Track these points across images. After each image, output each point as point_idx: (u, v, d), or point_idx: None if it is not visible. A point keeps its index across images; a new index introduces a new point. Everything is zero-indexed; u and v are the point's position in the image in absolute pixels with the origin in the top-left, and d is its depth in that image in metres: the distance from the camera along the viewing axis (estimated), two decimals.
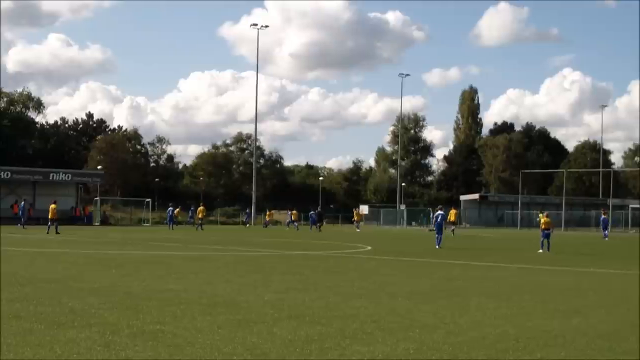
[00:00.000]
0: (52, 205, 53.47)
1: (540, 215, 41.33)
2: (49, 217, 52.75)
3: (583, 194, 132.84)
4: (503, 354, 10.42)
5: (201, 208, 73.65)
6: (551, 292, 18.41)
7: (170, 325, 12.07)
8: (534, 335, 11.82)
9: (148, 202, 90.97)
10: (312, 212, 54.92)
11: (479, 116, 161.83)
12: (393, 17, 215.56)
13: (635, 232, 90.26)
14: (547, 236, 37.12)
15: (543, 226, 37.70)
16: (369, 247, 39.39)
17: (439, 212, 41.49)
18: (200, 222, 71.94)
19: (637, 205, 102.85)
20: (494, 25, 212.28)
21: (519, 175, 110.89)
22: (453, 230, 63.50)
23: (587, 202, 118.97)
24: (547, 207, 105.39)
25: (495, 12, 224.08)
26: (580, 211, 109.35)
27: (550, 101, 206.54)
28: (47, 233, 50.26)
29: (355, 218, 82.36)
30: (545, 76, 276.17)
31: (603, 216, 67.04)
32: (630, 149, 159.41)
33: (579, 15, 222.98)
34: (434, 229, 40.63)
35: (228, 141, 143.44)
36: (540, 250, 36.32)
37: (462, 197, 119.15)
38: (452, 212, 66.14)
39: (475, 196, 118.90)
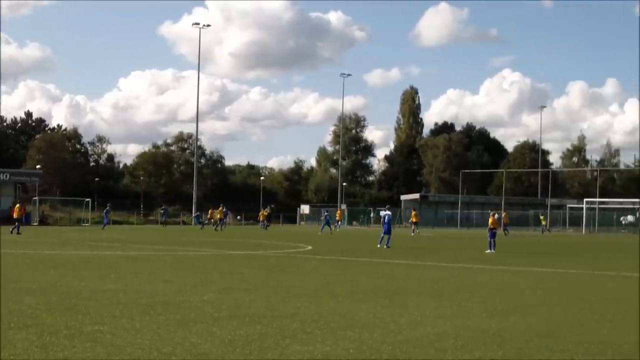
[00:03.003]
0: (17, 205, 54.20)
1: (504, 214, 41.76)
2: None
3: (522, 194, 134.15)
4: (442, 353, 10.48)
5: (220, 209, 74.27)
6: (490, 292, 18.56)
7: (109, 325, 11.97)
8: (473, 335, 11.90)
9: (88, 201, 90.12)
10: (326, 212, 54.53)
11: (420, 116, 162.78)
12: (335, 17, 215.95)
13: (572, 231, 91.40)
14: (493, 235, 37.38)
15: (490, 226, 37.97)
16: (310, 247, 39.42)
17: (387, 212, 41.63)
18: (220, 222, 73.30)
19: (575, 205, 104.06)
20: (434, 25, 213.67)
21: (459, 175, 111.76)
22: (414, 230, 65.11)
23: (525, 202, 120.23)
24: (487, 206, 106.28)
25: (435, 12, 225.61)
26: (519, 211, 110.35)
27: (490, 102, 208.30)
28: (17, 233, 50.26)
29: (260, 217, 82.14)
30: (485, 77, 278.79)
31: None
32: (568, 150, 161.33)
33: (517, 15, 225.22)
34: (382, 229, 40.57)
35: (169, 140, 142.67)
36: (488, 251, 36.40)
37: (403, 197, 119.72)
38: (413, 212, 68.14)
39: (416, 196, 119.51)
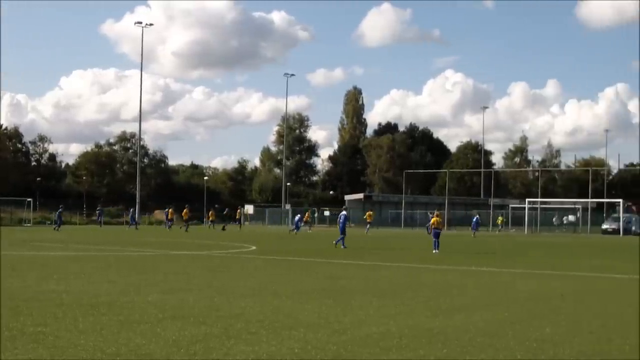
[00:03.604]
0: None
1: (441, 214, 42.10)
2: None
3: (465, 194, 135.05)
4: (386, 352, 10.52)
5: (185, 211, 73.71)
6: (434, 291, 18.67)
7: (52, 326, 11.87)
8: (417, 333, 11.97)
9: (29, 201, 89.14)
10: (343, 212, 54.14)
11: (363, 116, 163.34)
12: (278, 17, 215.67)
13: (515, 231, 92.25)
14: (437, 235, 37.55)
15: (434, 225, 38.17)
16: (254, 247, 39.37)
17: (343, 212, 41.99)
18: (186, 223, 72.58)
19: (517, 205, 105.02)
20: (377, 25, 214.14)
21: (403, 175, 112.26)
22: (368, 229, 66.41)
23: (468, 202, 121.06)
24: (430, 206, 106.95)
25: (378, 12, 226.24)
26: (462, 211, 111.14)
27: (433, 102, 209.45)
28: None
29: (210, 217, 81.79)
30: (428, 77, 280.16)
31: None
32: (510, 150, 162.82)
33: (459, 16, 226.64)
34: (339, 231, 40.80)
35: (112, 140, 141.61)
36: (435, 251, 36.52)
37: (347, 197, 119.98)
38: (368, 213, 69.73)
39: (360, 196, 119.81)
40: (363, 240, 52.89)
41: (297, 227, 67.68)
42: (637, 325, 13.25)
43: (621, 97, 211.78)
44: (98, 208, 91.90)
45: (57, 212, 71.83)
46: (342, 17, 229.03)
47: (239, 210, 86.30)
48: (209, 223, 79.87)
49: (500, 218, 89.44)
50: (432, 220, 38.86)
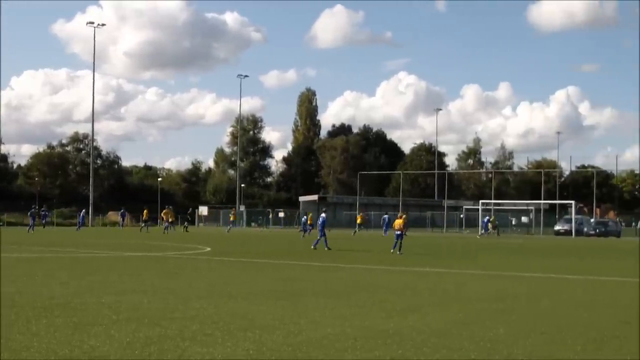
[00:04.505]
0: None
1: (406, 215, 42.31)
2: None
3: (419, 195, 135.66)
4: (342, 353, 10.55)
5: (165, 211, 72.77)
6: (389, 292, 18.73)
7: (5, 329, 11.77)
8: (372, 334, 12.01)
9: None
10: (385, 215, 53.49)
11: (317, 118, 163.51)
12: (231, 18, 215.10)
13: (468, 232, 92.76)
14: (399, 237, 37.61)
15: (396, 227, 38.30)
16: (209, 249, 39.26)
17: (322, 215, 42.70)
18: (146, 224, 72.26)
19: (471, 207, 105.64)
20: (330, 27, 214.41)
21: (357, 177, 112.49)
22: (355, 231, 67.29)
23: (422, 203, 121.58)
24: (384, 208, 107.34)
25: (331, 14, 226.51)
26: (417, 212, 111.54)
27: (386, 104, 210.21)
28: None
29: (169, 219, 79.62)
30: (381, 79, 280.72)
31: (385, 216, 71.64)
32: (463, 152, 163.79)
33: (412, 18, 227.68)
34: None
35: (64, 141, 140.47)
36: (396, 252, 36.52)
37: (301, 198, 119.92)
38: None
39: (314, 197, 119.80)
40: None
41: (305, 230, 65.80)
42: (588, 325, 13.41)
43: (572, 100, 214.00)
44: (42, 209, 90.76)
45: (30, 213, 71.65)
46: (295, 18, 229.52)
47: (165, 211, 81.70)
48: (143, 224, 77.27)
49: (493, 218, 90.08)
50: (395, 222, 38.99)
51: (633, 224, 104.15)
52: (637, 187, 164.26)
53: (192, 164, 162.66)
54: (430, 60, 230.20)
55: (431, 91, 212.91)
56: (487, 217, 75.82)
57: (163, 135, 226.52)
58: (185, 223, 79.79)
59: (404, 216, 40.49)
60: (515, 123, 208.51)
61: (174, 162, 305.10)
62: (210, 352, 10.36)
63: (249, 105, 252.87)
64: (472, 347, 11.14)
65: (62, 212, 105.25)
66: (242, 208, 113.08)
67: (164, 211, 74.50)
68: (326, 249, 39.13)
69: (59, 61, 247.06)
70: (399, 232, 37.68)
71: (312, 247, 39.82)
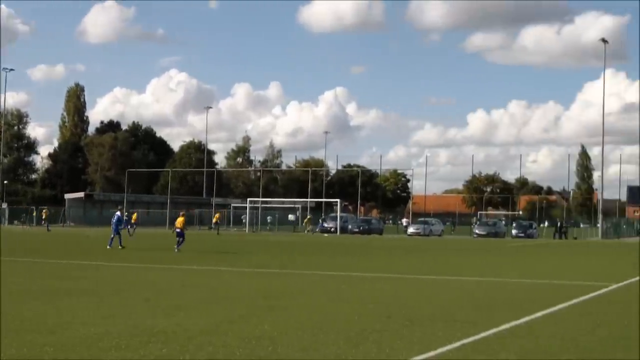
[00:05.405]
0: None
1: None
2: None
3: (187, 193, 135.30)
4: (105, 352, 10.42)
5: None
6: (155, 290, 18.64)
7: None
8: (136, 333, 11.91)
9: None
10: (117, 212, 50.59)
11: (86, 114, 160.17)
12: None
13: (236, 230, 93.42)
14: (180, 235, 37.61)
15: (178, 225, 38.44)
16: None
17: (117, 212, 41.87)
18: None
19: (239, 205, 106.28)
20: (100, 22, 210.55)
21: (125, 174, 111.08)
22: (134, 230, 65.47)
23: (191, 201, 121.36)
24: (153, 205, 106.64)
25: (102, 9, 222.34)
26: (185, 210, 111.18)
27: (156, 101, 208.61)
28: None
29: None
30: (152, 76, 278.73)
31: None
32: (233, 150, 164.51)
33: (184, 16, 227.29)
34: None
35: None
36: (176, 249, 36.40)
37: (67, 196, 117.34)
38: (134, 214, 69.27)
39: (81, 194, 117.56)
40: (80, 240, 51.91)
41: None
42: (350, 321, 13.77)
43: (340, 101, 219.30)
44: None
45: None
46: (65, 12, 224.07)
47: None
48: None
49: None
50: (177, 221, 39.17)
51: (398, 222, 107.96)
52: (399, 185, 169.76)
53: None
54: (201, 58, 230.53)
55: (202, 89, 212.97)
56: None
57: None
58: None
59: (182, 213, 40.73)
60: (285, 122, 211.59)
61: None
62: None
63: (14, 99, 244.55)
64: (237, 343, 11.23)
65: None
66: (5, 206, 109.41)
67: None
68: (119, 246, 38.41)
69: None
70: (179, 230, 37.88)
71: (107, 247, 38.85)
